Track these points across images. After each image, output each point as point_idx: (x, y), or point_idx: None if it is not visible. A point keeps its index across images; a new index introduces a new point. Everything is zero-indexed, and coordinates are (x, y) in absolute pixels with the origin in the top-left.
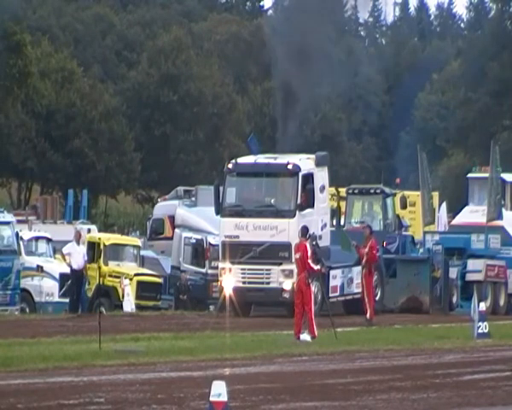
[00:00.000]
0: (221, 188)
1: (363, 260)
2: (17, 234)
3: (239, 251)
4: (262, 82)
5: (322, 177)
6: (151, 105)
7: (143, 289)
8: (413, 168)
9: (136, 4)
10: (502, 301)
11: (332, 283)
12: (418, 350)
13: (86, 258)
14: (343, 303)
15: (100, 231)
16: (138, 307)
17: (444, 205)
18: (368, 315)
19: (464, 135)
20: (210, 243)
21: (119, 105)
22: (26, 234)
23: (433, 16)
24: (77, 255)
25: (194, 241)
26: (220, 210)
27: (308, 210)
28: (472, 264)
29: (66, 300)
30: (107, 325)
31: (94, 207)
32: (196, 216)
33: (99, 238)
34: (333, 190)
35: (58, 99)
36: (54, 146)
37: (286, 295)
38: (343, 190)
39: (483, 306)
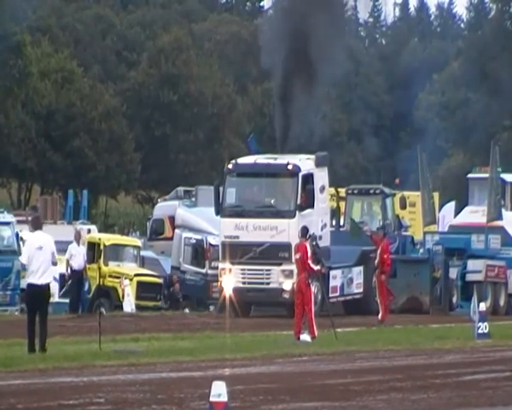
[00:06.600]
0: (221, 188)
1: (376, 261)
2: (17, 234)
3: (239, 251)
4: (262, 82)
5: (322, 177)
6: (151, 105)
7: (143, 290)
8: (413, 168)
9: (136, 4)
10: (502, 302)
11: (332, 283)
12: (418, 350)
13: (86, 258)
14: (343, 303)
15: (100, 231)
16: (138, 307)
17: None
18: (380, 316)
19: (464, 135)
20: (210, 244)
21: (119, 105)
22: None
23: (433, 16)
24: (78, 256)
25: (194, 241)
26: (220, 210)
27: (308, 210)
28: (472, 264)
29: (67, 300)
30: (107, 325)
31: (94, 207)
32: (196, 216)
33: (99, 239)
34: (333, 190)
35: (58, 99)
36: (54, 146)
37: (286, 296)
38: (343, 191)
39: (483, 306)
